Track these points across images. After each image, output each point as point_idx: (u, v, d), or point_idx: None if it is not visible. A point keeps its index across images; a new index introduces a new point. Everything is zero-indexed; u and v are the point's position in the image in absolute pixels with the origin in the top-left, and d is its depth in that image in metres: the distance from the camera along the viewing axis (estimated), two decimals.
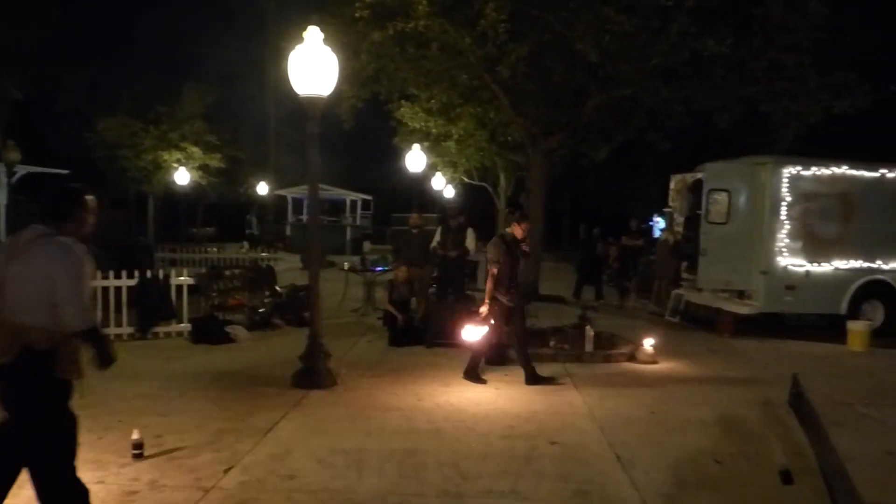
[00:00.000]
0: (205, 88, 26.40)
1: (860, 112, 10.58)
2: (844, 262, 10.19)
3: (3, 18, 19.91)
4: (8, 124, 22.17)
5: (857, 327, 9.51)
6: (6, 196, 16.91)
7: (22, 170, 17.21)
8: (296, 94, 6.69)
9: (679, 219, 12.38)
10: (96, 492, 4.12)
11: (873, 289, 10.28)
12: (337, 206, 33.55)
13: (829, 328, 10.22)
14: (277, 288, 10.71)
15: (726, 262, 10.30)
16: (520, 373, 7.20)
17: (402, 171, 18.85)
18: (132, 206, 28.74)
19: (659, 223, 25.83)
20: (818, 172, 10.11)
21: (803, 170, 10.07)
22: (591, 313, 9.74)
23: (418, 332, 8.94)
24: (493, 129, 15.57)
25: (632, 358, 8.25)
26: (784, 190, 9.98)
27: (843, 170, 10.20)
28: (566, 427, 5.63)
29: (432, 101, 13.52)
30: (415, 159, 15.43)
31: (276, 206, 31.51)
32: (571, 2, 9.38)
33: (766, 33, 10.06)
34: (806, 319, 10.95)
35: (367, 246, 26.61)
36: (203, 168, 26.76)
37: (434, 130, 15.82)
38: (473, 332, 7.10)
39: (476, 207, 27.56)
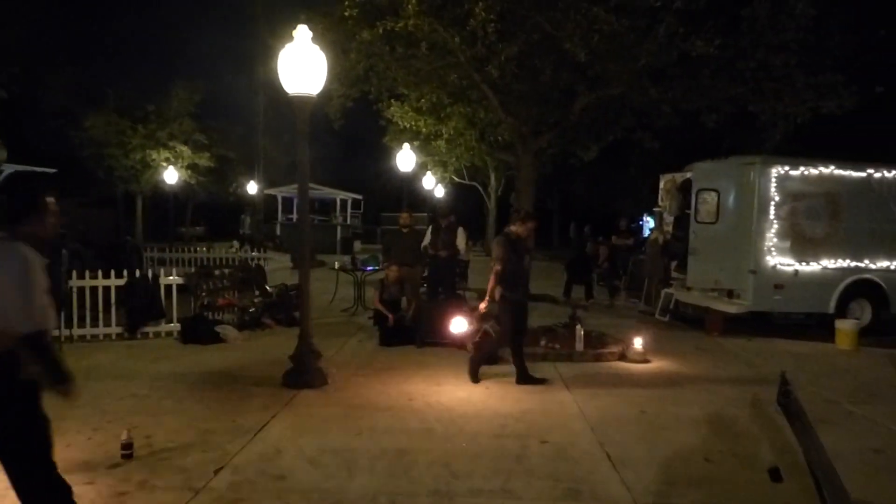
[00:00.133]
0: (194, 87, 26.26)
1: (847, 112, 10.67)
2: (832, 261, 10.28)
3: None
4: None
5: (845, 326, 9.59)
6: None
7: (7, 168, 17.03)
8: (285, 93, 6.67)
9: (668, 218, 12.46)
10: (86, 493, 4.09)
11: (861, 288, 10.37)
12: (327, 206, 33.48)
13: (818, 327, 10.31)
14: (267, 287, 10.67)
15: (715, 261, 10.37)
16: (511, 372, 7.21)
17: (392, 170, 18.86)
18: (120, 205, 28.56)
19: (648, 222, 25.98)
20: (806, 172, 10.20)
21: (791, 170, 10.15)
22: (581, 312, 9.78)
23: (409, 331, 8.93)
24: (482, 129, 15.57)
25: (622, 357, 8.28)
26: (772, 190, 10.06)
27: (831, 170, 10.29)
28: (557, 426, 5.65)
29: (422, 100, 13.49)
30: (405, 158, 15.42)
31: (265, 205, 31.39)
32: (560, 1, 9.39)
33: (753, 34, 10.12)
34: (794, 318, 11.03)
35: (357, 245, 26.59)
36: (192, 167, 26.62)
37: (424, 130, 15.79)
38: (461, 326, 7.12)
39: (466, 207, 27.62)
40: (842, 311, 10.19)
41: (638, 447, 5.16)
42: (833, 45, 10.45)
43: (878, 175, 10.38)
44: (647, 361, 8.15)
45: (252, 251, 16.55)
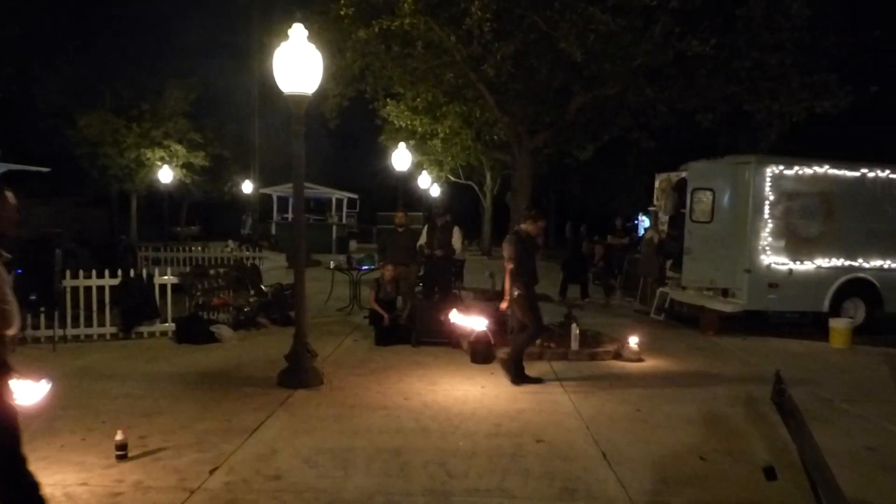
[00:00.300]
0: (188, 86, 26.18)
1: (842, 112, 10.71)
2: (826, 260, 10.31)
3: None
4: None
5: (838, 325, 9.63)
6: None
7: (1, 167, 16.95)
8: (281, 92, 6.65)
9: (664, 217, 12.47)
10: (80, 493, 4.09)
11: (855, 287, 10.41)
12: (322, 205, 33.44)
13: (812, 326, 10.35)
14: (263, 287, 10.65)
15: (710, 260, 10.38)
16: (506, 371, 7.22)
17: (387, 169, 18.84)
18: (114, 204, 28.45)
19: (644, 222, 26.02)
20: (800, 172, 10.23)
21: (786, 169, 10.18)
22: (577, 311, 9.80)
23: (404, 330, 8.93)
24: (478, 128, 15.56)
25: (617, 356, 8.30)
26: (767, 189, 10.09)
27: (825, 169, 10.32)
28: (552, 425, 5.65)
29: (418, 99, 13.47)
30: (400, 158, 15.42)
31: (261, 204, 31.35)
32: (557, 1, 9.40)
33: (749, 33, 10.14)
34: (788, 317, 11.07)
35: (352, 245, 26.57)
36: (187, 166, 26.54)
37: (419, 129, 15.78)
38: (468, 322, 7.12)
39: (462, 206, 27.62)
40: (836, 310, 10.23)
41: (633, 445, 5.17)
42: (828, 44, 10.49)
43: (871, 175, 10.42)
44: (642, 360, 8.17)
45: (247, 250, 16.52)
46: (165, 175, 23.55)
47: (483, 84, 11.11)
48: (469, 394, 6.57)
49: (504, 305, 7.04)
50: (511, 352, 7.10)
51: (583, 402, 6.35)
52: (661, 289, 11.85)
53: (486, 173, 26.18)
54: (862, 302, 10.52)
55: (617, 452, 4.99)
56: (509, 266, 6.86)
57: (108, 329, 8.88)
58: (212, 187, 30.36)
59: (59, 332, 8.42)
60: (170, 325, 9.04)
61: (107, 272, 8.91)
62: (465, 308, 8.48)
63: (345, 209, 34.07)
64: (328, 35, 10.11)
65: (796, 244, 10.20)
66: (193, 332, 8.75)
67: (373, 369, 7.50)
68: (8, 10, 21.52)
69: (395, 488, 4.28)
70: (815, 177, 10.28)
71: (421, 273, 10.48)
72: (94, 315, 8.82)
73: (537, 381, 7.01)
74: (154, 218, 28.72)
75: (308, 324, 7.09)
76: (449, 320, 7.94)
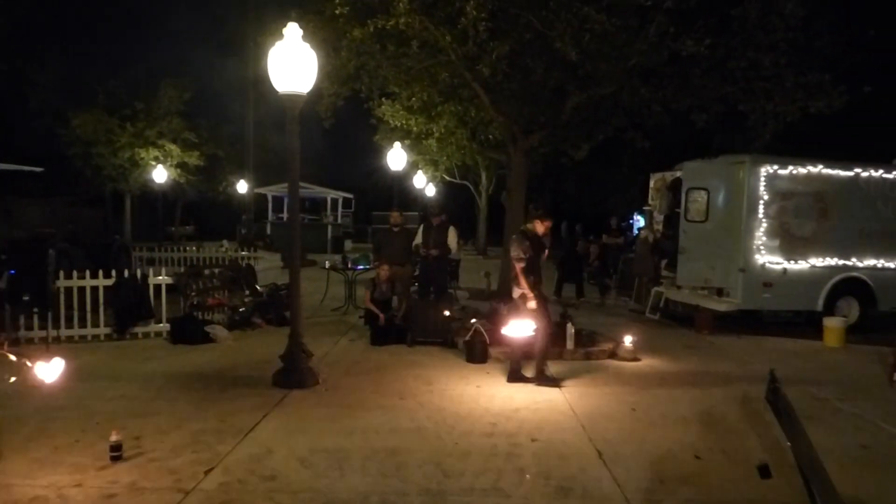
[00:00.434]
0: (183, 85, 26.08)
1: (836, 112, 10.75)
2: (820, 259, 10.36)
3: None
4: None
5: (832, 324, 9.68)
6: None
7: None
8: (276, 92, 6.63)
9: (658, 217, 12.51)
10: (74, 495, 4.07)
11: (848, 286, 10.46)
12: (318, 205, 33.38)
13: (806, 325, 10.39)
14: (258, 287, 10.63)
15: (705, 259, 10.42)
16: (502, 370, 7.23)
17: (382, 169, 18.80)
18: (108, 204, 28.33)
19: (639, 221, 26.08)
20: (794, 171, 10.27)
21: (780, 169, 10.22)
22: (572, 311, 9.80)
23: (400, 330, 8.93)
24: (473, 128, 15.56)
25: (612, 355, 8.32)
26: (761, 188, 10.13)
27: (819, 169, 10.37)
28: (548, 424, 5.66)
29: (413, 99, 13.46)
30: (395, 157, 15.39)
31: (256, 204, 31.28)
32: (552, 1, 9.41)
33: (744, 33, 10.17)
34: (782, 316, 11.11)
35: (348, 244, 26.53)
36: (181, 166, 26.45)
37: (415, 128, 15.77)
38: (521, 329, 7.04)
39: (457, 206, 27.61)
40: (830, 309, 10.28)
41: (628, 444, 5.18)
42: (822, 44, 10.53)
43: (865, 174, 10.47)
44: (637, 359, 8.19)
45: (245, 250, 16.48)
46: (160, 175, 23.46)
47: (478, 84, 11.11)
48: (465, 393, 6.57)
49: (532, 304, 6.97)
50: (535, 357, 7.02)
51: (578, 401, 6.36)
52: (655, 288, 11.88)
53: (481, 173, 26.20)
54: (856, 301, 10.58)
55: (612, 451, 5.00)
56: (519, 265, 6.84)
57: (102, 330, 8.85)
58: (206, 187, 30.27)
59: (53, 332, 8.38)
60: (164, 326, 9.01)
61: (101, 272, 8.87)
62: (501, 317, 8.11)
63: (340, 209, 34.03)
64: (323, 34, 10.10)
65: (790, 244, 10.24)
66: (188, 332, 8.73)
67: (368, 369, 7.50)
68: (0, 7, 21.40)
69: (391, 488, 4.28)
70: (809, 176, 10.32)
71: (416, 273, 10.47)
72: (88, 316, 8.78)
73: (531, 380, 7.00)
74: (148, 218, 28.62)
75: (303, 324, 7.08)
76: (514, 325, 7.49)
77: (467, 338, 8.20)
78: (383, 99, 14.49)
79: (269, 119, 26.38)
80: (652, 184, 13.08)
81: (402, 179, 20.11)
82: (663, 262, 11.79)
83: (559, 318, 9.01)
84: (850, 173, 10.43)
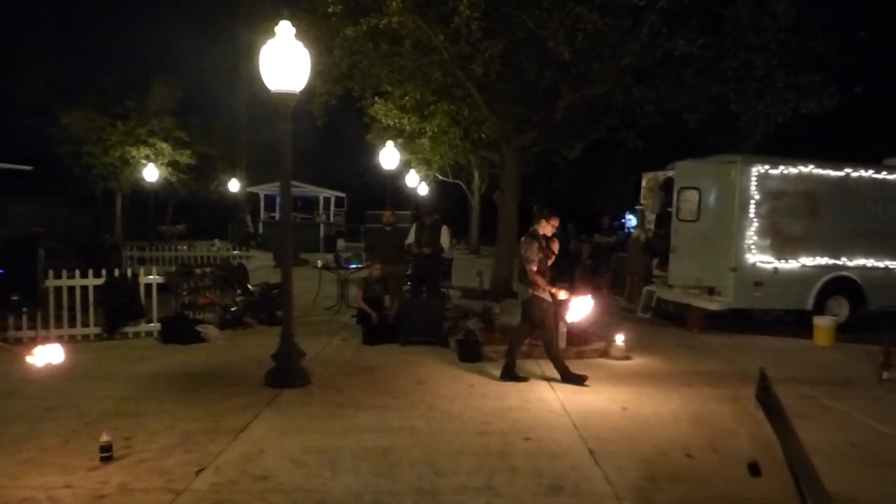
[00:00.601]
0: (174, 83, 25.94)
1: (827, 113, 10.83)
2: (811, 258, 10.42)
3: None
4: None
5: (822, 323, 9.73)
6: None
7: None
8: (268, 90, 6.61)
9: (650, 216, 12.55)
10: (63, 496, 4.05)
11: (838, 285, 10.53)
12: (310, 204, 33.30)
13: (796, 324, 10.45)
14: (249, 286, 10.59)
15: (697, 259, 10.45)
16: (498, 369, 7.24)
17: (375, 168, 18.81)
18: (99, 203, 28.14)
19: (631, 220, 26.14)
20: (785, 171, 10.32)
21: (771, 168, 10.26)
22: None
23: (392, 329, 8.92)
24: (466, 127, 15.58)
25: (604, 354, 8.34)
26: (752, 188, 10.17)
27: (810, 169, 10.42)
28: (540, 423, 5.67)
29: (406, 98, 13.47)
30: (388, 156, 15.40)
31: (248, 203, 31.18)
32: (545, 0, 9.43)
33: (736, 34, 10.23)
34: (773, 315, 11.17)
35: (340, 243, 26.49)
36: (173, 164, 26.32)
37: (407, 127, 15.79)
38: (578, 309, 7.12)
39: (450, 205, 27.61)
40: (820, 308, 10.34)
41: (620, 443, 5.20)
42: (814, 45, 10.60)
43: (855, 174, 10.53)
44: (628, 358, 8.21)
45: (236, 249, 16.42)
46: (151, 173, 23.34)
47: (471, 83, 11.12)
48: (457, 392, 6.57)
49: (562, 294, 7.02)
50: (551, 359, 7.08)
51: (570, 399, 6.37)
52: (647, 287, 11.91)
53: (473, 172, 26.21)
54: (845, 300, 10.64)
55: (604, 450, 5.02)
56: (531, 267, 6.84)
57: (93, 329, 8.79)
58: (198, 186, 30.14)
59: (43, 332, 8.33)
60: (155, 326, 8.97)
61: (91, 272, 8.82)
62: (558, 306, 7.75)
63: (332, 208, 33.96)
64: (315, 33, 10.08)
65: (781, 243, 10.29)
66: (179, 331, 8.68)
67: (360, 368, 7.49)
68: None
69: (383, 487, 4.27)
70: (800, 176, 10.37)
71: (409, 272, 10.47)
72: (78, 315, 8.73)
73: (524, 379, 7.01)
74: (139, 217, 28.47)
75: (295, 323, 7.06)
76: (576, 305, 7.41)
77: (459, 337, 8.21)
78: (376, 98, 14.49)
79: (261, 118, 26.27)
80: (644, 183, 13.11)
81: (395, 178, 20.12)
82: (655, 261, 11.83)
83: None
84: (841, 173, 10.49)
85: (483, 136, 15.33)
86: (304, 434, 5.25)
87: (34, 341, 8.11)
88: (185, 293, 9.63)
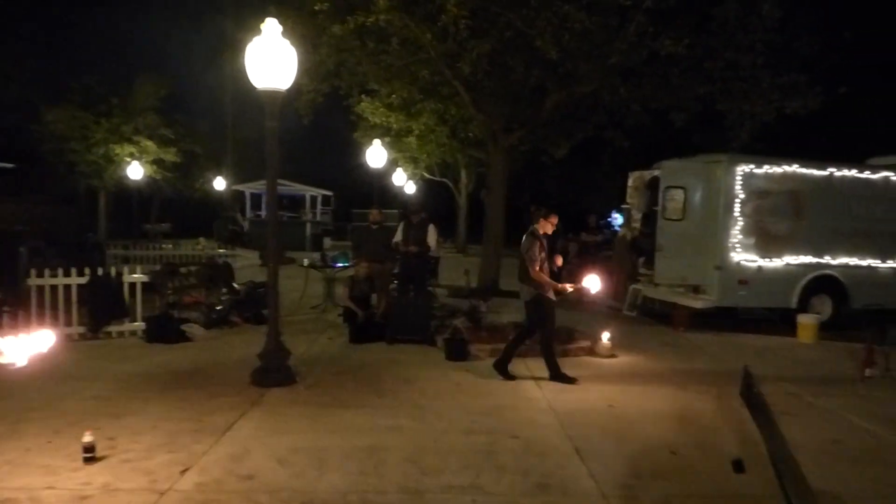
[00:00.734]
0: (160, 80, 25.72)
1: (813, 113, 10.93)
2: (795, 257, 10.52)
3: None
4: None
5: (806, 320, 9.84)
6: None
7: None
8: (255, 88, 6.56)
9: (637, 215, 12.60)
10: (46, 497, 4.00)
11: (822, 283, 10.64)
12: (296, 202, 33.15)
13: (780, 321, 10.55)
14: (235, 285, 10.52)
15: (682, 257, 10.52)
16: (485, 368, 7.24)
17: (362, 166, 18.73)
18: (82, 201, 27.83)
19: (617, 219, 26.27)
20: (770, 171, 10.40)
21: (756, 168, 10.34)
22: None
23: (379, 328, 8.90)
24: (454, 126, 15.58)
25: (590, 352, 8.37)
26: (738, 187, 10.24)
27: (794, 168, 10.51)
28: (526, 421, 5.68)
29: (393, 96, 13.45)
30: (375, 155, 15.34)
31: (236, 201, 31.01)
32: None
33: (724, 34, 10.30)
34: (758, 313, 11.27)
35: (327, 242, 26.37)
36: (158, 162, 26.09)
37: (395, 126, 15.76)
38: (592, 284, 7.27)
39: (437, 203, 27.57)
40: (804, 307, 10.44)
41: (606, 441, 5.22)
42: (799, 45, 10.70)
43: (839, 174, 10.63)
44: (614, 356, 8.25)
45: (220, 248, 16.32)
46: (135, 171, 23.12)
47: (458, 81, 11.12)
48: (444, 391, 6.57)
49: (571, 287, 7.16)
50: (546, 358, 7.08)
51: (556, 398, 6.39)
52: (633, 286, 11.97)
53: (461, 171, 26.22)
54: (828, 298, 10.75)
55: (590, 447, 5.04)
56: (535, 266, 6.85)
57: (76, 329, 8.70)
58: (183, 184, 29.90)
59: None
60: (140, 325, 8.89)
61: (74, 270, 8.72)
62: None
63: (319, 206, 33.83)
64: (302, 30, 10.02)
65: (766, 242, 10.38)
66: (164, 331, 8.61)
67: (347, 367, 7.46)
68: None
69: (370, 486, 4.26)
70: (784, 176, 10.46)
71: (396, 270, 10.45)
72: (62, 315, 8.63)
73: (512, 377, 7.03)
74: (123, 215, 28.21)
75: (282, 322, 7.02)
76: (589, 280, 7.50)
77: (447, 335, 8.21)
78: (363, 96, 14.43)
79: (247, 115, 26.12)
80: (630, 182, 13.17)
81: (382, 177, 20.05)
82: (641, 260, 11.89)
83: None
84: (825, 173, 10.59)
85: (470, 134, 15.34)
86: (290, 433, 5.23)
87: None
88: (170, 292, 9.55)
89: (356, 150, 21.06)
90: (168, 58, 27.28)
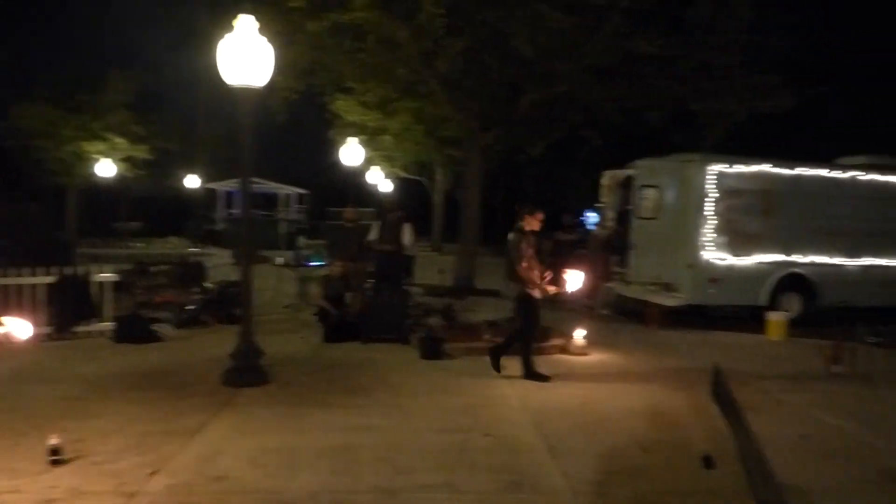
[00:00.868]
0: (131, 76, 25.27)
1: (787, 113, 11.11)
2: (765, 256, 10.68)
3: None
4: None
5: (775, 318, 10.00)
6: None
7: None
8: (227, 85, 6.47)
9: (610, 214, 12.71)
10: (11, 501, 3.91)
11: (791, 281, 10.82)
12: (270, 200, 32.84)
13: (750, 319, 10.71)
14: (207, 284, 10.38)
15: (655, 256, 10.63)
16: (460, 366, 7.24)
17: (337, 164, 18.61)
18: (49, 199, 27.23)
19: (591, 218, 26.46)
20: (742, 170, 10.54)
21: (728, 167, 10.47)
22: None
23: (354, 327, 8.84)
24: (430, 124, 15.56)
25: (564, 350, 8.41)
26: (710, 186, 10.36)
27: (765, 168, 10.67)
28: (500, 419, 5.69)
29: (369, 94, 13.39)
30: (351, 153, 15.24)
31: (206, 199, 30.60)
32: None
33: (696, 34, 10.43)
34: (728, 311, 11.43)
35: (301, 241, 26.15)
36: (129, 160, 25.64)
37: (371, 124, 15.69)
38: (573, 282, 7.33)
39: (413, 202, 27.52)
40: (773, 304, 10.61)
41: (578, 438, 5.25)
42: (771, 46, 10.88)
43: (808, 174, 10.82)
44: (587, 354, 8.31)
45: (191, 246, 16.10)
46: (105, 169, 22.69)
47: (435, 80, 11.10)
48: (418, 389, 6.56)
49: (553, 289, 7.18)
50: (522, 355, 7.07)
51: (530, 395, 6.42)
52: (607, 284, 12.06)
53: (437, 169, 26.19)
54: (797, 296, 10.94)
55: (562, 445, 5.06)
56: (523, 265, 6.86)
57: (43, 329, 8.50)
58: (154, 182, 29.42)
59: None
60: (109, 325, 8.72)
61: (41, 270, 8.53)
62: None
63: (293, 205, 33.56)
64: (277, 27, 9.91)
65: (737, 240, 10.52)
66: (133, 331, 8.45)
67: (321, 366, 7.41)
68: None
69: (342, 486, 4.24)
70: (755, 175, 10.60)
71: (371, 269, 10.41)
72: (28, 315, 8.42)
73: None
74: (93, 213, 27.67)
75: (254, 321, 6.95)
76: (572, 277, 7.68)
77: (421, 334, 8.19)
78: (339, 94, 14.35)
79: (220, 113, 25.79)
80: (604, 181, 13.29)
81: (358, 175, 19.94)
82: (615, 259, 11.98)
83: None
84: (795, 172, 10.76)
85: (447, 133, 15.33)
86: (262, 434, 5.17)
87: None
88: (140, 291, 9.39)
89: (331, 148, 20.93)
90: (140, 54, 26.85)
